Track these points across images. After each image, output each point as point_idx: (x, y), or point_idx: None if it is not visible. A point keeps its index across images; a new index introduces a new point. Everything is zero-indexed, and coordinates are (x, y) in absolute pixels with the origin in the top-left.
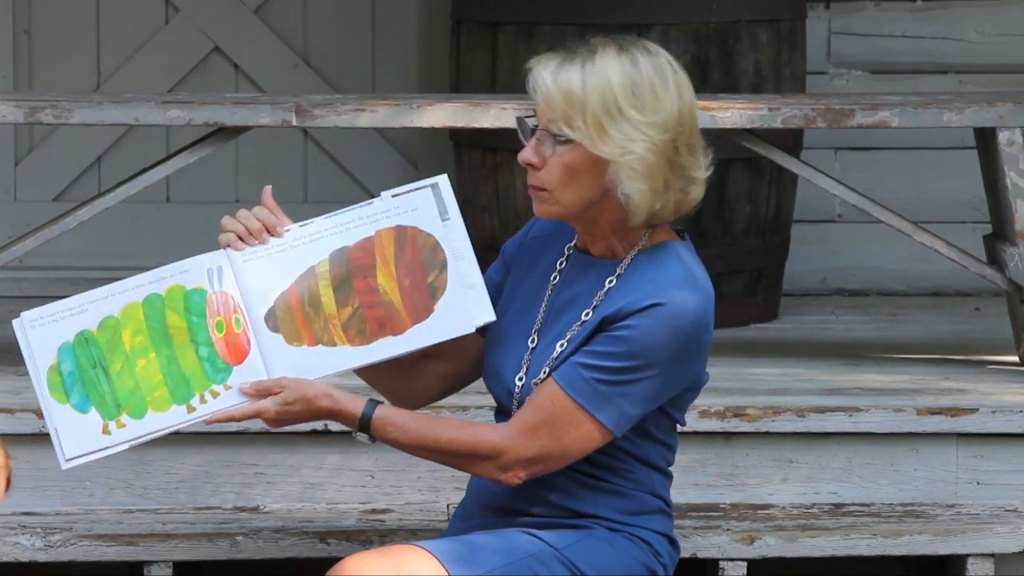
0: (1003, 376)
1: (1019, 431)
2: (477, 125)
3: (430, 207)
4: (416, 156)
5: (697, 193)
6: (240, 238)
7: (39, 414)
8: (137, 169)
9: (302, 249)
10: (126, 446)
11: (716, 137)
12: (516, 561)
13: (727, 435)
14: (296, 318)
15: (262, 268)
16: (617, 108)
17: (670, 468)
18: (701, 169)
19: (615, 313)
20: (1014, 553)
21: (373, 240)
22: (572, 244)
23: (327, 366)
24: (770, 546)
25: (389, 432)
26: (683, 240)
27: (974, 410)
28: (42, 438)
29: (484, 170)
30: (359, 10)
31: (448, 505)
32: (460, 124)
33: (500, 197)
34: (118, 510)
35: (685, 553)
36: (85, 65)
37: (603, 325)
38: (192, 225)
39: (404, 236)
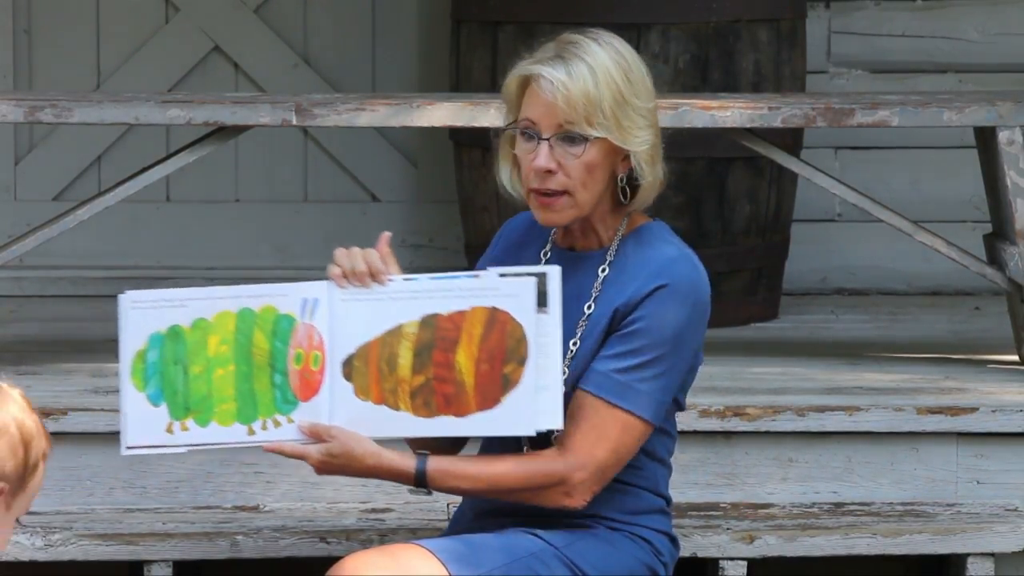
0: (1003, 375)
1: (1019, 430)
2: (477, 125)
3: (529, 296)
4: (416, 156)
5: (664, 172)
6: (344, 275)
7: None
8: (137, 168)
9: (399, 304)
10: (184, 450)
11: (716, 136)
12: (517, 560)
13: (727, 434)
14: (370, 372)
15: (355, 313)
16: (623, 99)
17: (670, 460)
18: (661, 143)
19: (624, 305)
20: (1014, 552)
21: (465, 315)
22: (547, 245)
23: (384, 428)
24: (770, 545)
25: (449, 482)
26: (657, 221)
27: (974, 409)
28: None
29: (484, 170)
30: (359, 10)
31: (448, 505)
32: (460, 124)
33: (500, 197)
34: (118, 509)
35: (685, 552)
36: (85, 65)
37: (616, 321)
38: (192, 225)
39: (495, 320)
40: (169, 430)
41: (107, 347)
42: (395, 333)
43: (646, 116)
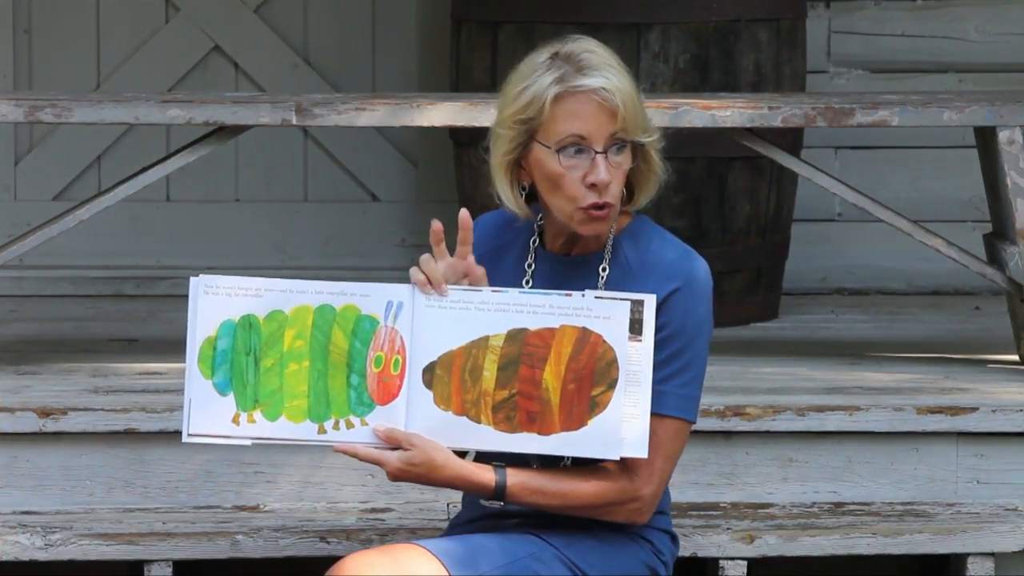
0: (1003, 375)
1: (1019, 430)
2: (477, 124)
3: (623, 320)
4: (416, 156)
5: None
6: (430, 283)
7: (40, 413)
8: (137, 168)
9: (485, 316)
10: (248, 442)
11: (716, 136)
12: (517, 560)
13: (727, 434)
14: (452, 382)
15: (439, 320)
16: (641, 98)
17: None
18: None
19: None
20: (1014, 552)
21: (555, 332)
22: (533, 248)
23: (462, 439)
24: (770, 545)
25: (525, 497)
26: (640, 216)
27: (974, 409)
28: (42, 437)
29: (484, 170)
30: (359, 10)
31: (448, 504)
32: (460, 123)
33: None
34: (118, 509)
35: (685, 552)
36: (85, 64)
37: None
38: (192, 225)
39: (586, 340)
40: (235, 421)
41: (107, 347)
42: (480, 344)
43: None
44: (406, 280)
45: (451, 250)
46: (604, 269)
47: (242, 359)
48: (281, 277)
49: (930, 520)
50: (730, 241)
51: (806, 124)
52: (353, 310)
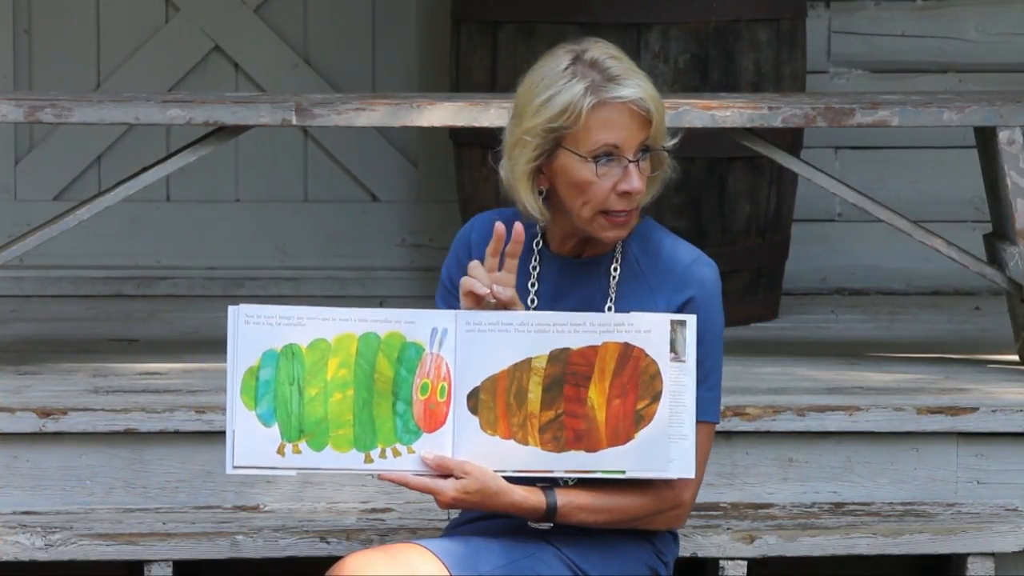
0: (1003, 375)
1: (1019, 430)
2: (477, 124)
3: (663, 334)
4: (416, 156)
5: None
6: (481, 296)
7: (40, 413)
8: (137, 168)
9: (526, 337)
10: (294, 473)
11: (716, 136)
12: (517, 560)
13: (727, 434)
14: (498, 406)
15: (481, 344)
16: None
17: None
18: None
19: None
20: (1014, 552)
21: (598, 350)
22: (538, 249)
23: (511, 462)
24: (770, 545)
25: (575, 515)
26: (646, 218)
27: (974, 409)
28: (42, 437)
29: (484, 170)
30: (359, 10)
31: None
32: (460, 123)
33: (500, 196)
34: (118, 509)
35: (685, 552)
36: (85, 65)
37: None
38: (192, 225)
39: (629, 355)
40: (280, 452)
41: (107, 347)
42: (523, 367)
43: None
44: (406, 280)
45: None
46: (615, 270)
47: (285, 389)
48: (273, 280)
49: (930, 520)
50: (730, 241)
51: (806, 124)
52: (398, 337)
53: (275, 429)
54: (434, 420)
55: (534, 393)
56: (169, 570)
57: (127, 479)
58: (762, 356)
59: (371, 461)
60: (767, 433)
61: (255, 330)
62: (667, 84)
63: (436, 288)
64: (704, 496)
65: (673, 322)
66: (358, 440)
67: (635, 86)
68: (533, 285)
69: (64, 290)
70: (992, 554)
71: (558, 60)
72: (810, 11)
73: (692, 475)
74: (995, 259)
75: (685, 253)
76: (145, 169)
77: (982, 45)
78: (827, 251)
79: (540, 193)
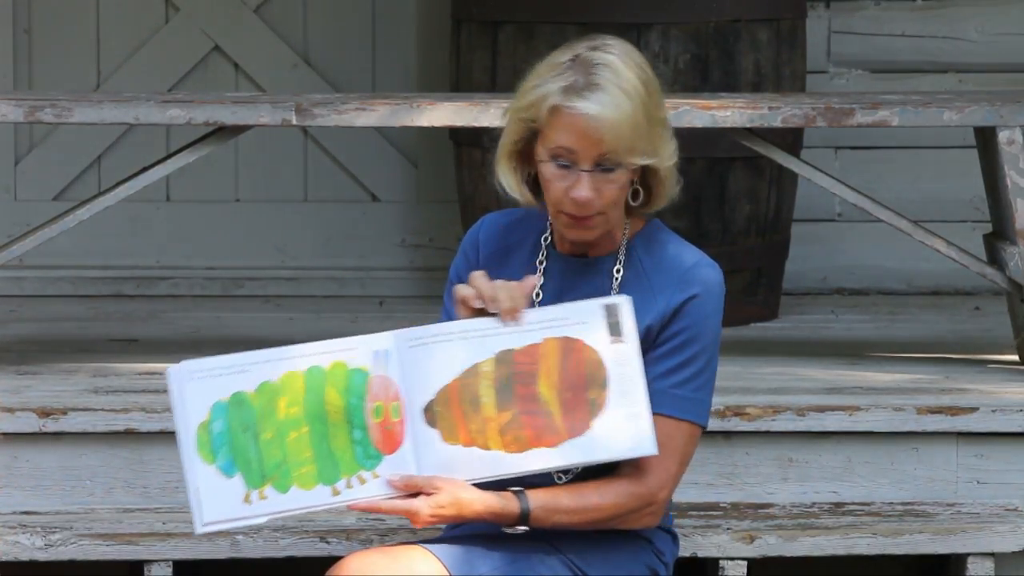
0: (1003, 375)
1: (1019, 430)
2: (477, 124)
3: (599, 322)
4: (416, 156)
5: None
6: (485, 305)
7: (40, 413)
8: (137, 168)
9: (469, 344)
10: (265, 519)
11: (716, 136)
12: (517, 560)
13: (727, 434)
14: (455, 415)
15: (427, 358)
16: (654, 117)
17: None
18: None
19: (658, 321)
20: (1014, 552)
21: (539, 347)
22: (544, 249)
23: (477, 469)
24: (770, 545)
25: (550, 518)
26: (654, 220)
27: (974, 409)
28: (42, 437)
29: (484, 170)
30: (359, 10)
31: None
32: (461, 123)
33: (500, 197)
34: (118, 509)
35: (685, 552)
36: (85, 65)
37: (651, 335)
38: (192, 225)
39: (570, 348)
40: (247, 500)
41: (107, 347)
42: (472, 373)
43: (668, 127)
44: (406, 280)
45: (453, 248)
46: (618, 271)
47: (240, 437)
48: (273, 280)
49: (930, 520)
50: (730, 241)
51: (806, 124)
52: (342, 367)
53: (238, 479)
54: (392, 441)
55: (487, 397)
56: (169, 570)
57: (127, 479)
58: (762, 356)
59: (338, 493)
60: (767, 433)
61: (200, 385)
62: (667, 84)
63: (436, 287)
64: (704, 496)
65: (607, 307)
66: (322, 475)
67: (598, 103)
68: (541, 268)
69: (64, 290)
70: (992, 554)
71: (567, 51)
72: (810, 11)
73: (655, 451)
74: (995, 259)
75: (690, 255)
76: (145, 169)
77: (982, 45)
78: (827, 251)
79: (529, 175)
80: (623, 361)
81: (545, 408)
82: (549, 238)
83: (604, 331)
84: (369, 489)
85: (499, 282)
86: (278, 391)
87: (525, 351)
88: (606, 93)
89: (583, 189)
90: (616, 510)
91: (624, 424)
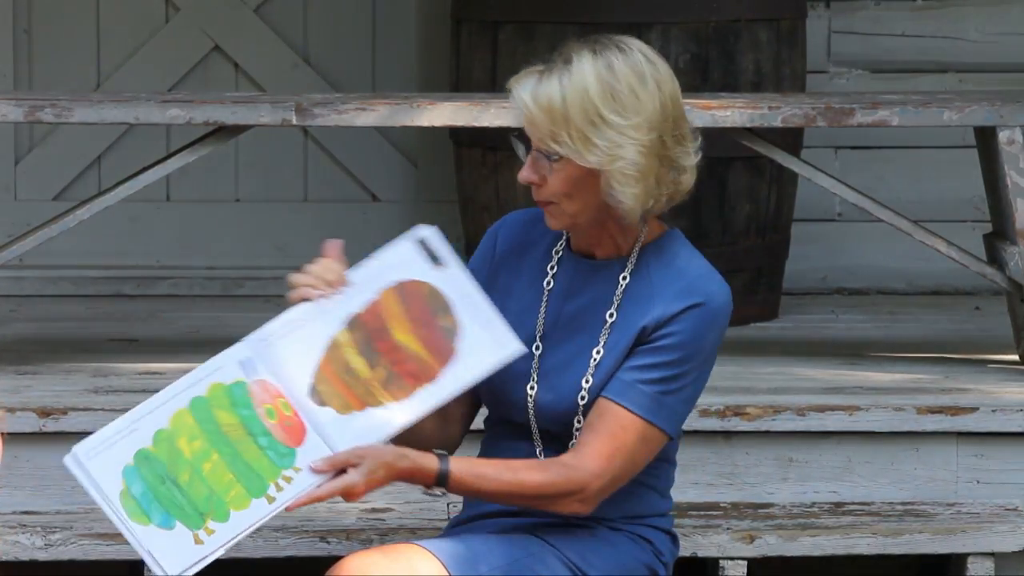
0: (1003, 375)
1: (1019, 430)
2: (478, 124)
3: (419, 258)
4: (416, 155)
5: (688, 180)
6: (315, 287)
7: (40, 413)
8: (137, 168)
9: (318, 323)
10: (222, 551)
11: (716, 136)
12: (517, 560)
13: (727, 434)
14: (339, 388)
15: (287, 349)
16: (599, 116)
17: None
18: (690, 156)
19: (656, 321)
20: (1014, 552)
21: (379, 303)
22: (559, 248)
23: (384, 427)
24: (770, 545)
25: (469, 483)
26: (673, 229)
27: (974, 409)
28: (42, 437)
29: (484, 169)
30: (359, 10)
31: (448, 504)
32: (461, 123)
33: (500, 196)
34: None
35: (685, 552)
36: (85, 64)
37: (643, 336)
38: (192, 224)
39: (405, 290)
40: (198, 541)
41: (107, 347)
42: (334, 347)
43: (631, 135)
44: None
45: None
46: (624, 278)
47: (161, 489)
48: (274, 280)
49: (930, 520)
50: (730, 241)
51: (806, 124)
52: (219, 387)
53: (179, 527)
54: (297, 433)
55: (356, 362)
56: None
57: None
58: (762, 356)
59: (273, 500)
60: (767, 433)
61: (101, 460)
62: None
63: None
64: (704, 496)
65: (419, 241)
66: (251, 490)
67: (529, 86)
68: (548, 283)
69: (64, 290)
70: (992, 554)
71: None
72: (810, 11)
73: (522, 348)
74: (995, 259)
75: (700, 267)
76: (145, 169)
77: (982, 45)
78: (827, 251)
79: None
80: (454, 283)
81: (410, 352)
82: (564, 243)
83: (426, 263)
84: (299, 484)
85: (307, 266)
86: (174, 434)
87: (368, 310)
88: (543, 79)
89: (524, 168)
90: (543, 489)
91: (483, 335)
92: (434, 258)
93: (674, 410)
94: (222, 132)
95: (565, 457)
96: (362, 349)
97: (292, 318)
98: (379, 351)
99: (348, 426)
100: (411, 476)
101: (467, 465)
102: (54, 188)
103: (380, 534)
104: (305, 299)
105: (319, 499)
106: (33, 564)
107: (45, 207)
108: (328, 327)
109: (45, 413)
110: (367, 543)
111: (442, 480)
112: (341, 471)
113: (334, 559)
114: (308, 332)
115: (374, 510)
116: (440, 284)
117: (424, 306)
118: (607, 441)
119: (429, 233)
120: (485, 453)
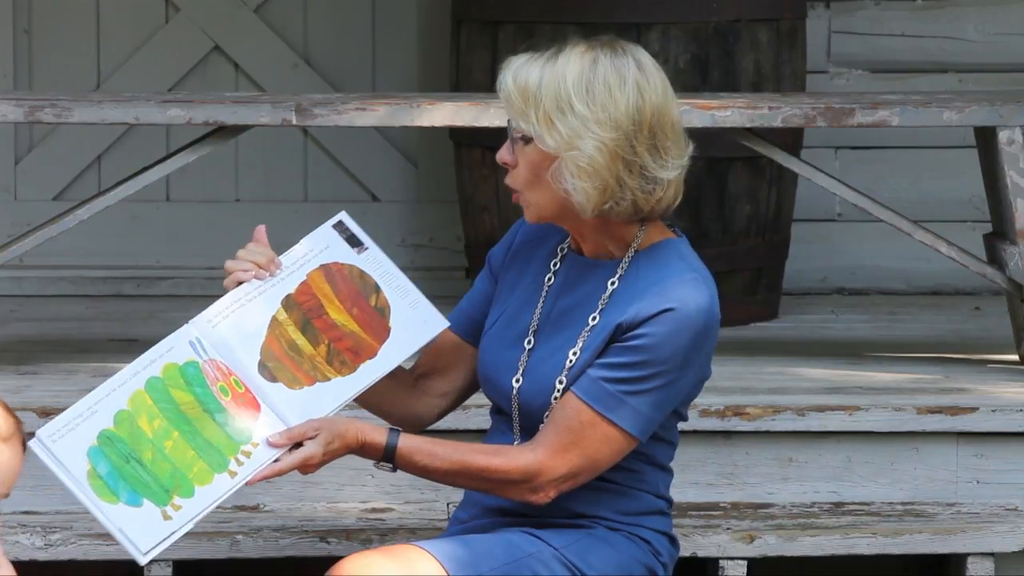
0: (1003, 375)
1: (1019, 430)
2: (477, 124)
3: (339, 242)
4: (416, 155)
5: (665, 194)
6: (252, 270)
7: (40, 413)
8: (137, 168)
9: (257, 303)
10: (191, 525)
11: (716, 136)
12: (516, 561)
13: (727, 434)
14: (286, 363)
15: (232, 329)
16: (568, 104)
17: (671, 464)
18: (668, 170)
19: (629, 321)
20: (1014, 552)
21: (308, 283)
22: (565, 245)
23: (333, 400)
24: (770, 545)
25: (417, 460)
26: (679, 237)
27: (974, 409)
28: None
29: (484, 169)
30: (359, 10)
31: (448, 504)
32: (461, 123)
33: (500, 196)
34: None
35: (685, 552)
36: (85, 65)
37: (617, 334)
38: (192, 225)
39: (331, 272)
40: (166, 517)
41: (107, 347)
42: (275, 326)
43: (593, 128)
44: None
45: (453, 248)
46: (612, 283)
47: (126, 468)
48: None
49: (930, 520)
50: (730, 241)
51: (806, 124)
52: (173, 367)
53: (147, 504)
54: (251, 409)
55: (299, 339)
56: (169, 570)
57: None
58: (762, 356)
59: (235, 474)
60: (767, 433)
61: (65, 442)
62: None
63: (436, 287)
64: (704, 496)
65: (335, 225)
66: (213, 465)
67: (514, 66)
68: (549, 280)
69: (64, 290)
70: (992, 554)
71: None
72: (810, 11)
73: (446, 323)
74: (995, 259)
75: (685, 272)
76: (145, 169)
77: (982, 45)
78: (827, 251)
79: None
80: (377, 264)
81: (347, 330)
82: (568, 244)
83: (346, 246)
84: (258, 458)
85: (239, 252)
86: (134, 414)
87: (300, 290)
88: (526, 63)
89: (502, 149)
90: (487, 472)
91: (412, 313)
92: (352, 241)
93: (638, 412)
94: (222, 132)
95: (522, 445)
96: (302, 327)
97: (233, 299)
98: (317, 328)
99: (299, 400)
100: (361, 448)
101: (417, 442)
102: (54, 188)
103: (380, 534)
104: (240, 283)
105: (279, 472)
106: (33, 564)
107: (45, 207)
108: (267, 307)
109: (45, 413)
110: (367, 543)
111: (389, 455)
112: (298, 444)
113: (334, 559)
114: (248, 312)
115: (374, 510)
116: (366, 267)
117: (353, 287)
118: (564, 434)
119: (344, 216)
120: (483, 441)
